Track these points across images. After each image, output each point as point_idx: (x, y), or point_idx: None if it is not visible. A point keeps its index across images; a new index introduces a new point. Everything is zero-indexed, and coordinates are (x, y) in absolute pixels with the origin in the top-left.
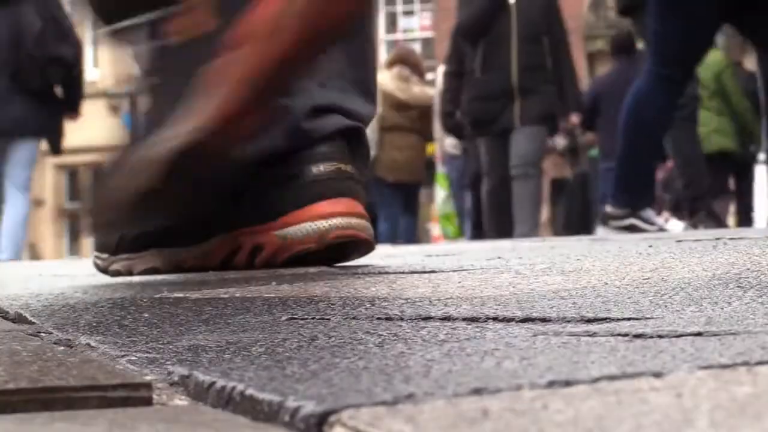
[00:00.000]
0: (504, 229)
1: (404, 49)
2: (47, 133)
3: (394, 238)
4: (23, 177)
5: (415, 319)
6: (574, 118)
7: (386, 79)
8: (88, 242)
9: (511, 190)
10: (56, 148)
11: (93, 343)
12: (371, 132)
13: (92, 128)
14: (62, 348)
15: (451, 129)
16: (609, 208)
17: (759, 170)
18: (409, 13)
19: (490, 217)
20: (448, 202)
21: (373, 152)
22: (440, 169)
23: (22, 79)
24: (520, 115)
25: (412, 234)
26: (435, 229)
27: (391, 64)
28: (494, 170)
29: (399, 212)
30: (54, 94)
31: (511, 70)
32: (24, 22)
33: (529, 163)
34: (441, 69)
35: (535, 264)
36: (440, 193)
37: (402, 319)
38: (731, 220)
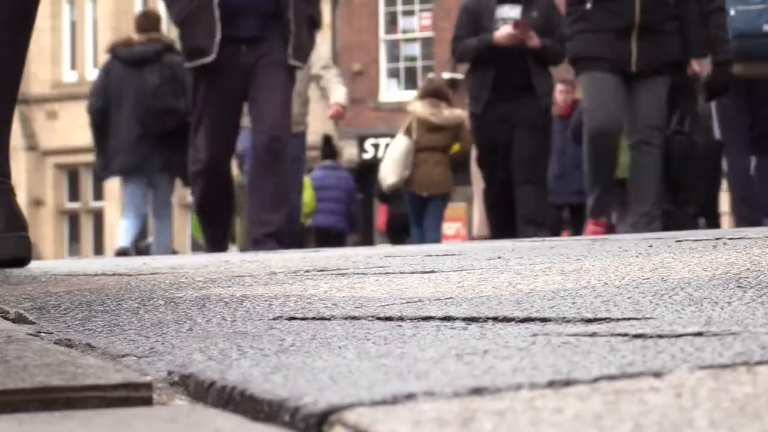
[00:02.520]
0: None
1: (434, 82)
2: (171, 168)
3: (422, 241)
4: (165, 213)
5: (415, 319)
6: (696, 66)
7: (419, 107)
8: (87, 242)
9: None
10: (184, 181)
11: (93, 343)
12: (405, 154)
13: None
14: (62, 348)
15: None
16: None
17: None
18: (409, 13)
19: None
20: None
21: (407, 172)
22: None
23: (145, 126)
24: (638, 59)
25: (439, 236)
26: (450, 229)
27: (423, 95)
28: (597, 115)
29: (427, 219)
30: (175, 136)
31: (634, 1)
32: (147, 80)
33: (653, 127)
34: None
35: (535, 264)
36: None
37: (402, 319)
38: None
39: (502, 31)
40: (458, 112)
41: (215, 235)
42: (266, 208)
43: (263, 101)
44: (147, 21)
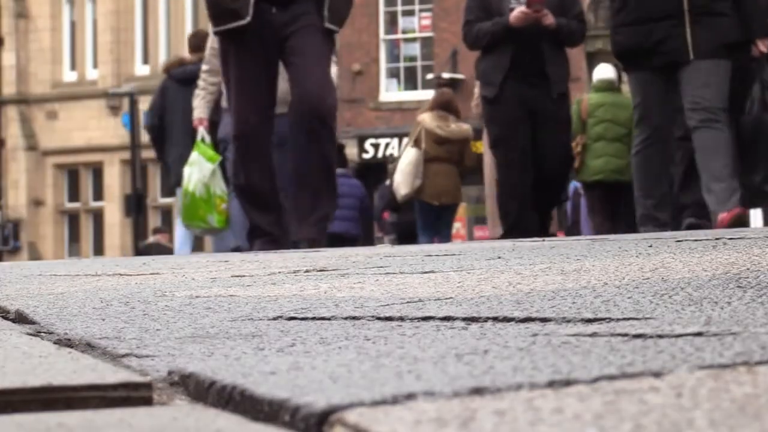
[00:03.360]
0: (664, 201)
1: (445, 95)
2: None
3: None
4: None
5: (415, 319)
6: (762, 47)
7: (428, 119)
8: (87, 242)
9: (670, 145)
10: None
11: (93, 343)
12: (416, 164)
13: (92, 128)
14: (62, 348)
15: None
16: None
17: None
18: (409, 13)
19: (642, 181)
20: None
21: (418, 182)
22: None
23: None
24: (693, 45)
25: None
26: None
27: (432, 107)
28: (649, 118)
29: (437, 227)
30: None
31: None
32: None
33: (715, 108)
34: None
35: (535, 264)
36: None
37: (402, 319)
38: None
39: (516, 12)
40: (465, 127)
41: (262, 221)
42: (310, 193)
43: (300, 70)
44: (196, 40)
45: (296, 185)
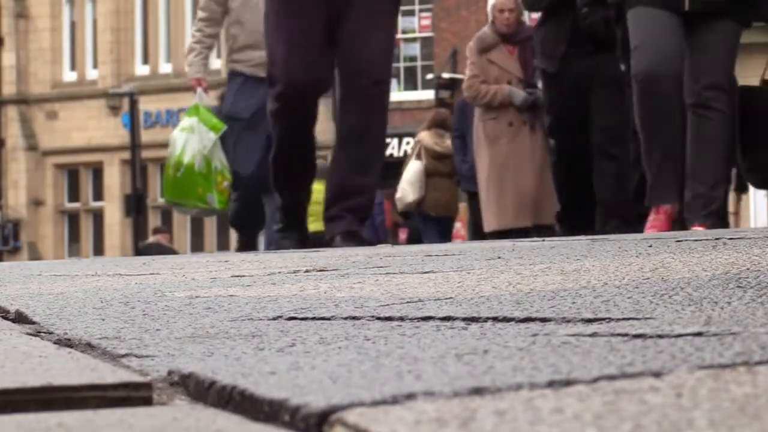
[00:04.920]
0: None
1: (441, 114)
2: None
3: None
4: None
5: (415, 319)
6: None
7: (426, 137)
8: (87, 242)
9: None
10: None
11: (93, 343)
12: (419, 176)
13: (92, 128)
14: (62, 348)
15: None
16: None
17: None
18: (409, 13)
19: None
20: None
21: (423, 192)
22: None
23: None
24: None
25: None
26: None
27: (430, 126)
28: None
29: (437, 237)
30: None
31: None
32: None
33: (712, 86)
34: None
35: (535, 264)
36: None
37: (402, 319)
38: None
39: None
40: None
41: (291, 200)
42: (354, 169)
43: (357, 32)
44: None
45: (336, 160)
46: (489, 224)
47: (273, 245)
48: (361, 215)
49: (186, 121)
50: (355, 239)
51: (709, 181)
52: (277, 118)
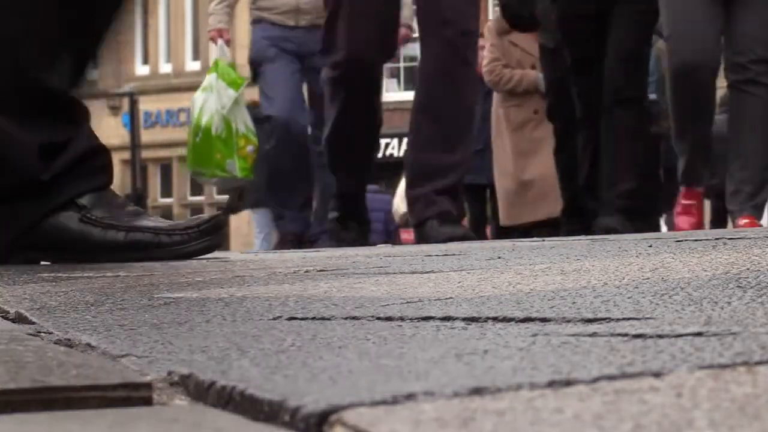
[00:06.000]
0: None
1: None
2: None
3: None
4: None
5: (415, 319)
6: None
7: None
8: None
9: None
10: None
11: (93, 343)
12: None
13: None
14: (62, 348)
15: None
16: None
17: None
18: None
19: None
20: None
21: None
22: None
23: None
24: None
25: None
26: None
27: None
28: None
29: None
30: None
31: None
32: None
33: (760, 60)
34: None
35: (535, 264)
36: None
37: (402, 319)
38: None
39: None
40: None
41: (351, 184)
42: (441, 143)
43: None
44: None
45: (418, 131)
46: (510, 216)
47: (324, 238)
48: (455, 195)
49: (207, 79)
50: (451, 222)
51: (758, 164)
52: (337, 87)
